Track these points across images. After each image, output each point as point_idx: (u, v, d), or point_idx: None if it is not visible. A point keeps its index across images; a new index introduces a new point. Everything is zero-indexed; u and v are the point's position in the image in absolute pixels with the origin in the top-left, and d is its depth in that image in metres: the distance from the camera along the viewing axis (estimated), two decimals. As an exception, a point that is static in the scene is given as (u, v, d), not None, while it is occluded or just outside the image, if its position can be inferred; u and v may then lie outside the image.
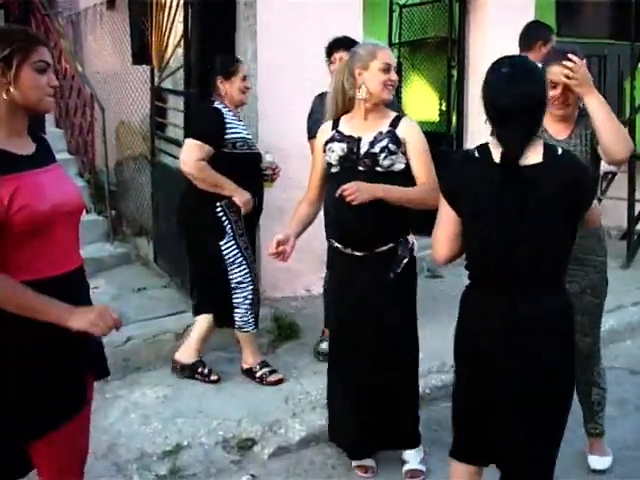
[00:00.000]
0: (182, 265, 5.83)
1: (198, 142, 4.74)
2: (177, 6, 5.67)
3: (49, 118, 8.40)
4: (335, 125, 3.96)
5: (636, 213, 7.95)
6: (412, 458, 4.20)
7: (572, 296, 3.73)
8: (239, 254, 4.85)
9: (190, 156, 4.73)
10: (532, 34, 5.42)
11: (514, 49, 5.33)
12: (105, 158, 7.34)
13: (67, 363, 2.64)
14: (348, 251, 3.90)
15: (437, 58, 8.45)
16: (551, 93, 3.44)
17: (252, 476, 4.15)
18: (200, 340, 5.04)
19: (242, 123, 4.96)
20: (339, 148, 3.85)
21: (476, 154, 2.90)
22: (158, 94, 6.35)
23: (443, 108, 8.41)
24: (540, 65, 3.21)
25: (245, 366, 5.07)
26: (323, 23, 5.88)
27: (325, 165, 3.96)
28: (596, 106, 3.53)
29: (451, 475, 3.22)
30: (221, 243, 4.82)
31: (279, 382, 4.98)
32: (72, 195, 2.71)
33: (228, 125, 4.77)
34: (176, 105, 5.91)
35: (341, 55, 4.95)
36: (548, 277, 2.88)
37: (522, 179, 2.75)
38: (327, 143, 3.91)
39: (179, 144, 5.72)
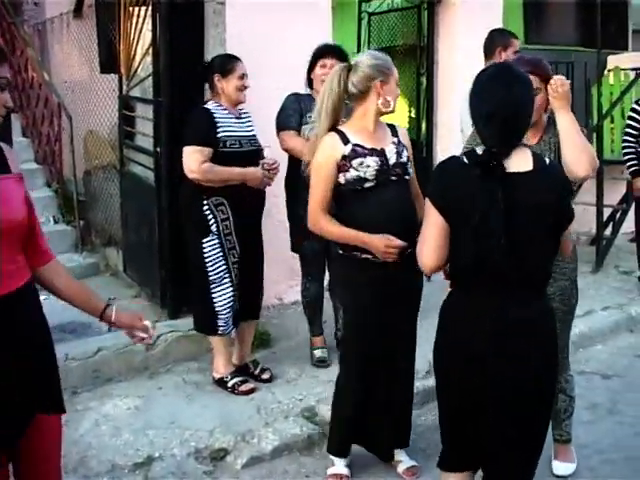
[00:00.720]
0: (152, 275, 5.80)
1: (197, 147, 4.69)
2: (145, 14, 5.63)
3: (16, 127, 8.33)
4: (345, 139, 3.84)
5: (605, 218, 8.02)
6: (404, 457, 4.26)
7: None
8: (220, 253, 4.82)
9: (193, 163, 4.68)
10: (492, 41, 5.53)
11: (482, 57, 5.37)
12: (73, 167, 7.29)
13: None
14: (378, 260, 3.81)
15: (406, 66, 8.46)
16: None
17: (225, 486, 4.12)
18: (221, 357, 5.04)
19: (241, 121, 4.89)
20: (374, 162, 3.79)
21: (465, 160, 2.85)
22: (126, 103, 6.31)
23: (412, 115, 8.44)
24: None
25: (217, 376, 5.04)
26: (292, 31, 5.88)
27: (341, 180, 3.82)
28: (566, 123, 3.64)
29: None
30: (204, 241, 4.80)
31: (251, 392, 4.95)
32: (14, 211, 2.52)
33: (218, 124, 4.74)
34: (145, 114, 5.87)
35: (332, 62, 4.91)
36: (536, 282, 2.90)
37: (514, 185, 2.74)
38: (351, 158, 3.79)
39: (148, 153, 5.70)
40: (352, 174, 3.80)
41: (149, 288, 6.01)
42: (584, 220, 7.65)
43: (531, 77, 3.56)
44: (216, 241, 4.80)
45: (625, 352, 6.09)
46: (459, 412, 2.98)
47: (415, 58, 8.22)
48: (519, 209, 2.74)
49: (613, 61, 9.67)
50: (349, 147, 3.82)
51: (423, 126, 8.12)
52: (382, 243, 3.75)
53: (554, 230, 2.86)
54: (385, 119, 4.05)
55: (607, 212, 8.15)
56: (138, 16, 5.79)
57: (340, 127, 3.90)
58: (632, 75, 9.05)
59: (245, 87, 4.87)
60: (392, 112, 3.95)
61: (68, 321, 5.40)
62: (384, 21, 8.95)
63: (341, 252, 3.96)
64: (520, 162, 2.81)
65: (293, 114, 5.05)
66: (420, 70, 8.15)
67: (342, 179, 3.83)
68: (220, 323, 4.89)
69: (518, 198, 2.74)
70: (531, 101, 2.93)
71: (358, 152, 3.81)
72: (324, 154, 3.86)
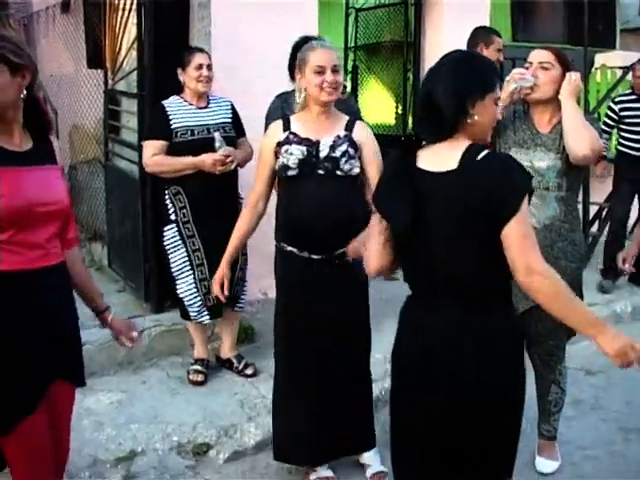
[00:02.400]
0: (136, 269, 5.78)
1: (149, 141, 4.85)
2: (130, 8, 5.61)
3: None
4: (287, 126, 3.87)
5: (591, 216, 8.03)
6: (373, 461, 4.20)
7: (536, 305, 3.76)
8: (179, 241, 4.89)
9: (146, 157, 4.85)
10: (475, 37, 5.58)
11: (468, 52, 5.36)
12: (59, 162, 7.24)
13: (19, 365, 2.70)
14: (304, 254, 3.84)
15: (393, 61, 8.48)
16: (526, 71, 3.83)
17: (207, 481, 4.11)
18: (195, 340, 5.18)
19: (202, 111, 4.91)
20: (298, 151, 3.77)
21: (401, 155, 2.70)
22: (112, 97, 6.29)
23: (399, 111, 8.43)
24: None
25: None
26: (279, 26, 5.84)
27: (276, 167, 3.86)
28: (570, 107, 3.76)
29: None
30: (165, 229, 4.92)
31: (199, 384, 5.00)
32: (57, 197, 2.78)
33: (170, 116, 4.81)
34: (129, 108, 5.84)
35: None
36: (461, 291, 2.60)
37: (429, 184, 2.55)
38: (282, 145, 3.81)
39: (133, 147, 5.68)
40: (280, 161, 3.82)
41: (133, 282, 5.99)
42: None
43: (546, 52, 3.83)
44: (175, 229, 4.89)
45: (610, 348, 6.09)
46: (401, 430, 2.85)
47: (402, 54, 8.21)
48: (432, 210, 2.54)
49: (600, 59, 9.71)
50: (285, 134, 3.83)
51: (409, 121, 8.11)
52: None
53: (481, 233, 2.51)
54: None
55: (593, 210, 8.16)
56: (124, 10, 5.77)
57: (292, 116, 3.94)
58: (619, 73, 9.07)
59: (204, 77, 4.85)
60: (323, 102, 3.79)
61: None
62: (371, 17, 8.95)
63: (275, 242, 4.03)
64: (443, 160, 2.56)
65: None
66: (407, 66, 8.14)
67: (276, 165, 3.86)
68: (190, 310, 4.97)
69: (431, 198, 2.54)
70: (471, 94, 2.56)
71: (289, 140, 3.81)
72: (265, 139, 3.95)
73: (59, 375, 2.86)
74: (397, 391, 2.83)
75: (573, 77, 3.78)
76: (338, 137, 3.82)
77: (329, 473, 4.12)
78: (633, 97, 7.19)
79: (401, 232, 2.62)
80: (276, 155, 3.84)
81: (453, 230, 2.53)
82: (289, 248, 3.89)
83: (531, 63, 3.84)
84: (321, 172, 3.79)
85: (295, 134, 3.83)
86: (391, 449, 2.91)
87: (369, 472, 4.18)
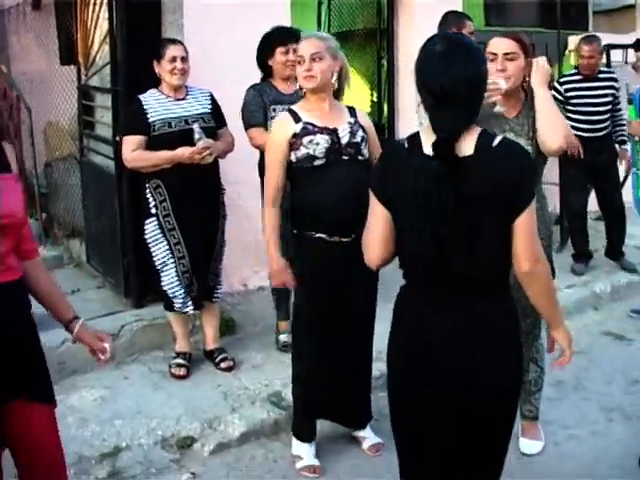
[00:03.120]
0: (115, 264, 5.76)
1: (128, 137, 4.80)
2: (101, 2, 5.57)
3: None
4: (297, 117, 3.90)
5: (568, 198, 8.05)
6: (370, 434, 4.34)
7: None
8: (160, 235, 4.87)
9: (125, 152, 4.80)
10: (446, 21, 5.59)
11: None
12: (34, 160, 7.21)
13: None
14: (335, 239, 3.88)
15: (367, 49, 8.45)
16: (490, 65, 3.59)
17: (192, 474, 4.10)
18: (177, 333, 5.16)
19: (179, 103, 4.86)
20: (324, 140, 3.83)
21: (405, 144, 2.56)
22: (85, 92, 6.25)
23: (374, 99, 8.41)
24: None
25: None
26: (251, 16, 5.82)
27: (293, 158, 3.87)
28: (542, 97, 3.75)
29: None
30: (145, 222, 4.90)
31: (182, 377, 5.00)
32: (11, 209, 2.62)
33: (147, 110, 4.77)
34: (103, 103, 5.81)
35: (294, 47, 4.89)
36: (477, 282, 2.54)
37: (453, 173, 2.41)
38: (301, 136, 3.84)
39: (108, 142, 5.65)
40: (302, 152, 3.84)
41: (113, 278, 5.97)
42: (548, 200, 7.68)
43: (510, 41, 3.76)
44: (155, 223, 4.87)
45: (590, 329, 6.14)
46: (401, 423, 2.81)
47: (376, 41, 8.18)
48: (458, 199, 2.41)
49: (573, 41, 9.72)
50: (300, 125, 3.87)
51: (385, 108, 8.10)
52: None
53: (490, 220, 2.46)
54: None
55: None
56: (95, 4, 5.73)
57: (293, 107, 4.00)
58: (592, 54, 9.07)
59: (178, 69, 4.80)
60: (307, 89, 3.90)
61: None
62: (344, 5, 8.89)
63: (295, 232, 4.01)
64: (463, 145, 2.46)
65: (257, 109, 4.99)
66: (381, 53, 8.10)
67: (293, 157, 3.88)
68: (175, 301, 4.96)
69: (457, 187, 2.41)
70: (486, 75, 2.55)
71: (309, 130, 3.85)
72: (276, 133, 3.95)
73: (18, 393, 2.74)
74: (398, 386, 2.77)
75: (541, 63, 3.74)
76: (350, 123, 3.95)
77: (315, 462, 4.14)
78: (578, 77, 7.14)
79: (433, 231, 2.46)
80: (291, 147, 3.87)
81: (461, 217, 2.44)
82: (318, 235, 3.90)
83: (495, 54, 3.75)
84: (346, 158, 3.89)
85: (311, 124, 3.88)
86: (395, 443, 2.87)
87: (366, 444, 4.30)
